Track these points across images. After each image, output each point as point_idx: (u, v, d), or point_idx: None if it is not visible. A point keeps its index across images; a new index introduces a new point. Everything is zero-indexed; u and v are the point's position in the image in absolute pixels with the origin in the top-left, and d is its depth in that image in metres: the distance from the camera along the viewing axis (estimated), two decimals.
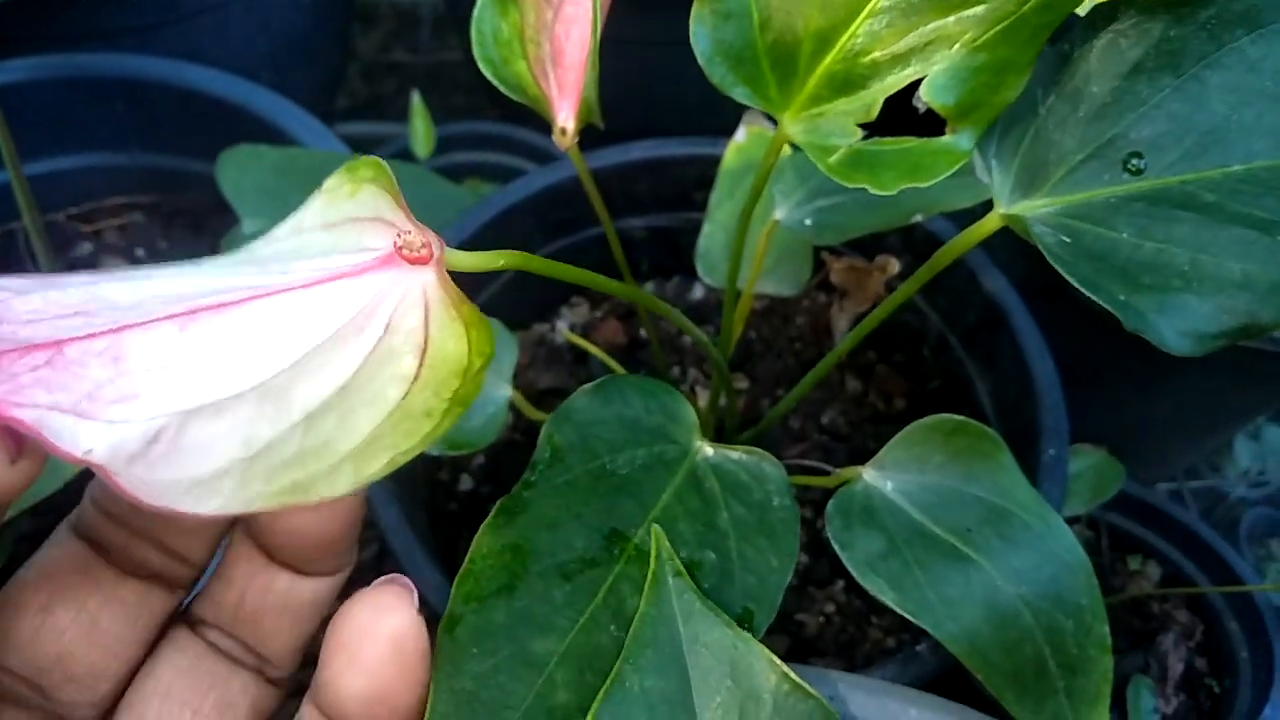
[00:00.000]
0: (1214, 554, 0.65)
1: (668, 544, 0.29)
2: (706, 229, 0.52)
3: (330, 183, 0.22)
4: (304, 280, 0.20)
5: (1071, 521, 0.66)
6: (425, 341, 0.21)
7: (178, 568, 0.25)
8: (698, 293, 0.63)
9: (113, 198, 0.65)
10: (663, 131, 0.58)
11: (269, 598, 0.25)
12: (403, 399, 0.20)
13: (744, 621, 0.29)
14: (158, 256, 0.64)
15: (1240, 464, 0.88)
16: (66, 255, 0.63)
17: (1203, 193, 0.28)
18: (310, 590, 0.25)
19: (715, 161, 0.53)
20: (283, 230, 0.22)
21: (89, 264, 0.63)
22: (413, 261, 0.21)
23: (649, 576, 0.28)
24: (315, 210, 0.22)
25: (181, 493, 0.18)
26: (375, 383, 0.20)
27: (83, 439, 0.17)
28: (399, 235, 0.21)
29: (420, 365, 0.20)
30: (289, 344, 0.20)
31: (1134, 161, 0.29)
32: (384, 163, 0.22)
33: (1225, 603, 0.64)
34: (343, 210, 0.22)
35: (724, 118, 0.50)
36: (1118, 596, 0.65)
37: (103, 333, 0.18)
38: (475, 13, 0.35)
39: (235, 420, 0.19)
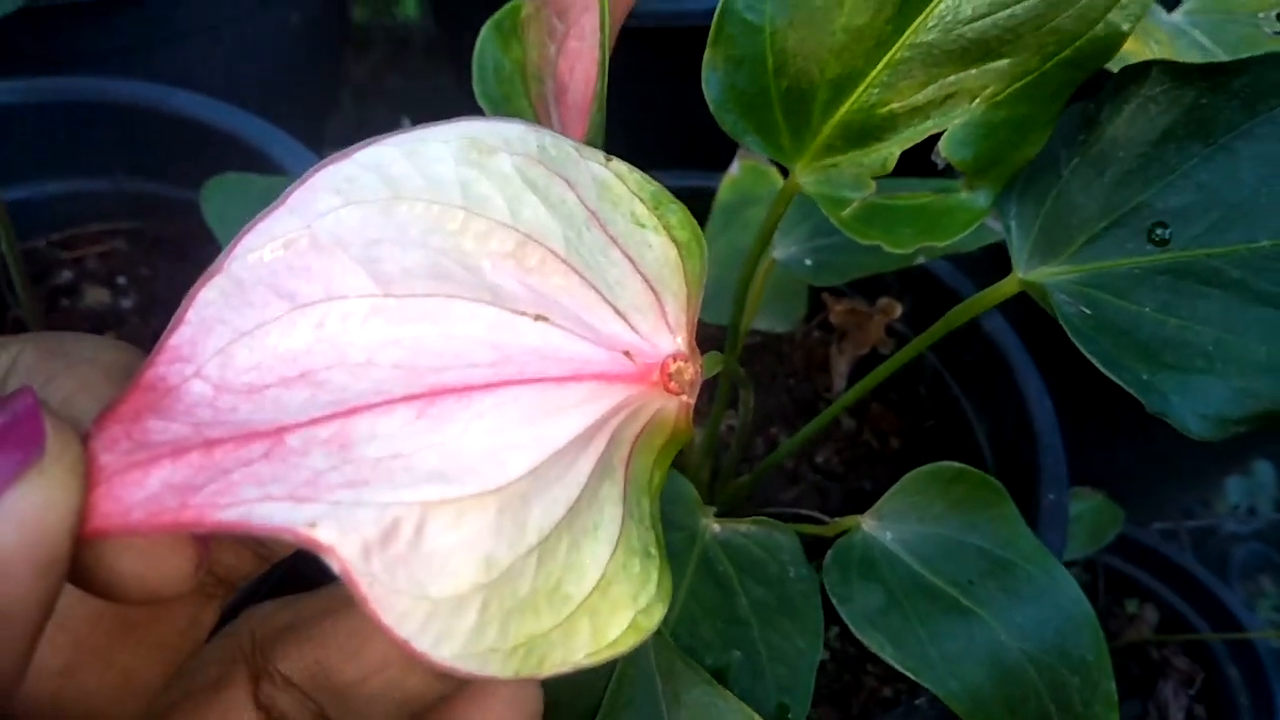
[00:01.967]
0: (1212, 597, 0.64)
1: None
2: None
3: (639, 209, 0.20)
4: (556, 373, 0.18)
5: (1068, 565, 0.65)
6: (630, 455, 0.19)
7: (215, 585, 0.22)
8: None
9: (95, 224, 0.64)
10: (657, 164, 0.57)
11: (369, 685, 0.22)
12: (621, 528, 0.18)
13: (780, 718, 0.28)
14: (140, 285, 0.62)
15: (1231, 499, 0.87)
16: (47, 282, 0.62)
17: (1229, 268, 0.27)
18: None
19: (710, 194, 0.52)
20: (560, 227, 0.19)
21: (69, 291, 0.62)
22: (673, 392, 0.20)
23: None
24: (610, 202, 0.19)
25: (422, 620, 0.15)
26: (595, 506, 0.18)
27: (303, 515, 0.15)
28: (674, 362, 0.20)
29: (625, 484, 0.19)
30: (532, 445, 0.17)
31: (1159, 231, 0.28)
32: (700, 237, 0.20)
33: (1225, 648, 0.63)
34: (636, 242, 0.20)
35: (722, 151, 0.49)
36: (1115, 643, 0.64)
37: (329, 417, 0.16)
38: (477, 47, 0.34)
39: (476, 530, 0.16)
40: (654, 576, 0.18)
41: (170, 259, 0.64)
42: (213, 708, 0.22)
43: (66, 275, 0.62)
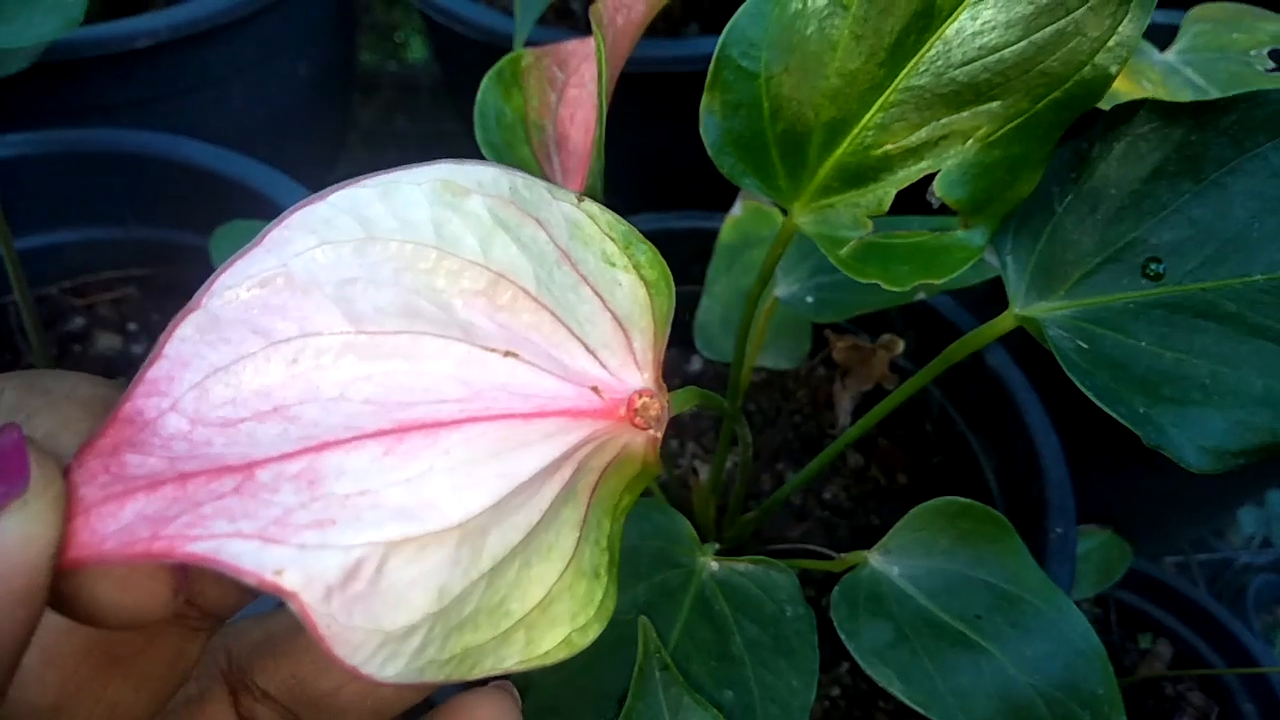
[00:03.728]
0: (1227, 632, 0.64)
1: (655, 636, 0.28)
2: (704, 302, 0.52)
3: (610, 248, 0.20)
4: (523, 408, 0.19)
5: (1079, 602, 0.65)
6: (598, 482, 0.19)
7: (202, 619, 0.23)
8: (695, 365, 0.62)
9: (106, 271, 0.65)
10: (661, 205, 0.58)
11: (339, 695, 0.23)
12: (574, 550, 0.18)
13: None
14: (151, 331, 0.63)
15: (1245, 530, 0.86)
16: (59, 329, 0.63)
17: (1224, 302, 0.28)
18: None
19: (713, 235, 0.53)
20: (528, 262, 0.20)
21: (81, 338, 0.62)
22: (639, 427, 0.20)
23: (635, 671, 0.27)
24: (580, 242, 0.20)
25: (372, 650, 0.16)
26: (552, 528, 0.18)
27: (270, 560, 0.15)
28: (639, 398, 0.20)
29: (588, 508, 0.19)
30: (496, 480, 0.18)
31: (1153, 266, 0.29)
32: (669, 277, 0.20)
33: (1240, 684, 0.62)
34: (606, 280, 0.20)
35: (721, 192, 0.50)
36: (1129, 678, 0.63)
37: (299, 452, 0.17)
38: (479, 95, 0.35)
39: (435, 564, 0.17)
40: (597, 597, 0.18)
41: (181, 305, 0.64)
42: None
43: (79, 321, 0.63)
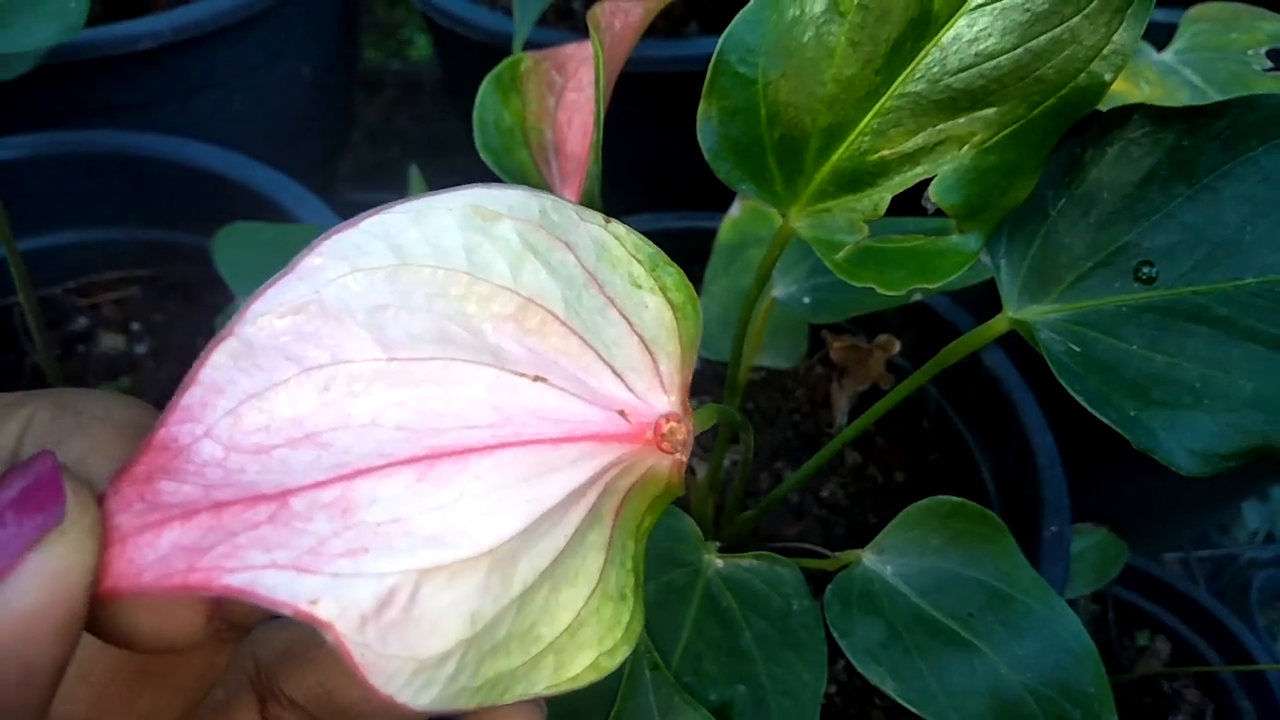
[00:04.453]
0: (1224, 630, 0.64)
1: (646, 637, 0.28)
2: (702, 302, 0.52)
3: (637, 270, 0.20)
4: (552, 433, 0.19)
5: (1076, 600, 0.65)
6: (621, 504, 0.20)
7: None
8: (695, 364, 0.62)
9: (109, 272, 0.65)
10: (659, 204, 0.58)
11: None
12: (600, 573, 0.19)
13: None
14: (153, 331, 0.64)
15: (1249, 526, 0.86)
16: (63, 329, 0.63)
17: (1215, 305, 0.28)
18: None
19: (711, 235, 0.53)
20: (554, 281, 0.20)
21: (85, 338, 0.63)
22: (666, 451, 0.20)
23: (625, 671, 0.27)
24: (608, 265, 0.20)
25: (407, 677, 0.16)
26: (579, 552, 0.18)
27: (304, 590, 0.15)
28: (666, 422, 0.20)
29: (612, 530, 0.19)
30: (526, 505, 0.18)
31: (1145, 270, 0.29)
32: (695, 300, 0.20)
33: (1237, 681, 0.62)
34: (633, 303, 0.20)
35: (720, 192, 0.50)
36: (1126, 675, 0.63)
37: (332, 480, 0.17)
38: (478, 100, 0.35)
39: (467, 591, 0.17)
40: (624, 620, 0.18)
41: (183, 305, 0.65)
42: None
43: (82, 322, 0.63)
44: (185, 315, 0.64)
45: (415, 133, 1.14)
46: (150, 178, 0.60)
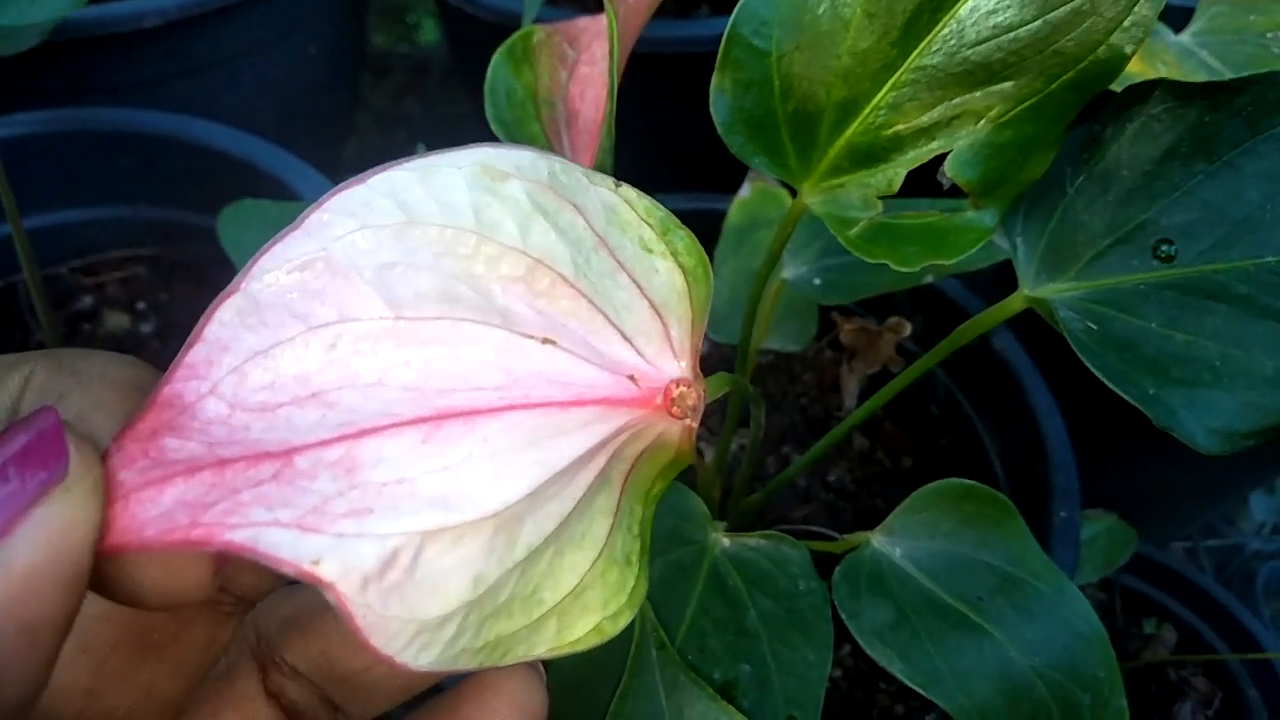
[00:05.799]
0: (1232, 618, 0.64)
1: (652, 615, 0.28)
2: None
3: (647, 234, 0.20)
4: (561, 396, 0.19)
5: (1084, 587, 0.65)
6: (631, 470, 0.19)
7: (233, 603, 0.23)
8: (703, 347, 0.62)
9: (115, 250, 0.65)
10: (668, 186, 0.58)
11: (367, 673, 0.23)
12: (607, 538, 0.18)
13: None
14: (159, 310, 0.63)
15: (1256, 517, 0.86)
16: (68, 308, 0.63)
17: (1235, 283, 0.27)
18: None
19: (720, 216, 0.52)
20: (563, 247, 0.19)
21: (90, 317, 0.63)
22: (676, 416, 0.20)
23: (631, 649, 0.27)
24: (618, 226, 0.20)
25: (408, 639, 0.16)
26: (586, 516, 0.18)
27: (307, 550, 0.15)
28: (676, 387, 0.20)
29: (621, 496, 0.19)
30: (533, 469, 0.18)
31: (1164, 248, 0.29)
32: (707, 264, 0.20)
33: (1244, 669, 0.62)
34: (643, 267, 0.20)
35: (730, 173, 0.50)
36: (1133, 663, 0.63)
37: (338, 439, 0.16)
38: (489, 72, 0.34)
39: (471, 553, 0.17)
40: (629, 585, 0.18)
41: (189, 284, 0.65)
42: (226, 698, 0.23)
43: (87, 301, 0.63)
44: (191, 294, 0.64)
45: (422, 117, 1.13)
46: (156, 156, 0.60)
